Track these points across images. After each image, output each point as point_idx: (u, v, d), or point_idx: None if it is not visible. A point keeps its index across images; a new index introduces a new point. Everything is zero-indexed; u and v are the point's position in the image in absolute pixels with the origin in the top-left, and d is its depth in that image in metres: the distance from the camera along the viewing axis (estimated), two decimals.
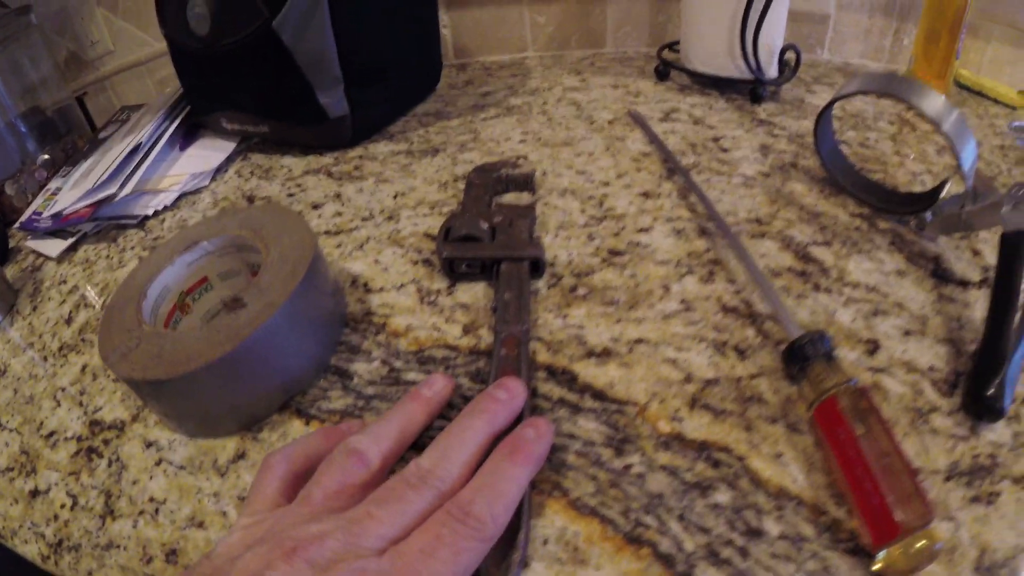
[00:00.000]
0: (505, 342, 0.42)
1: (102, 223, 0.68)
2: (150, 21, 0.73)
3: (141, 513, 0.39)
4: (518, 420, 0.37)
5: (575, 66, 0.94)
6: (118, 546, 0.37)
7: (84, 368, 0.51)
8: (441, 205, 0.62)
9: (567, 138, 0.72)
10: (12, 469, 0.44)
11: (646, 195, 0.60)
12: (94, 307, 0.57)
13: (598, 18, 0.99)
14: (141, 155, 0.71)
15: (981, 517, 0.33)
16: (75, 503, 0.40)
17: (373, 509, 0.29)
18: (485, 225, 0.51)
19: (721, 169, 0.64)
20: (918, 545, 0.29)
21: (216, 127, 0.78)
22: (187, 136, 0.80)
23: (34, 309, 0.59)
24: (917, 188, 0.59)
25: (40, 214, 0.70)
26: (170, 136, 0.76)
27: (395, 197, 0.64)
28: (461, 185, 0.64)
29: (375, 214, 0.62)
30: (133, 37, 1.00)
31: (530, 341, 0.45)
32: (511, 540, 0.32)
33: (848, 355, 0.43)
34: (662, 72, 0.87)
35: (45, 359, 0.53)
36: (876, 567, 0.30)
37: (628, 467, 0.37)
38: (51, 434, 0.46)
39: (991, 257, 0.45)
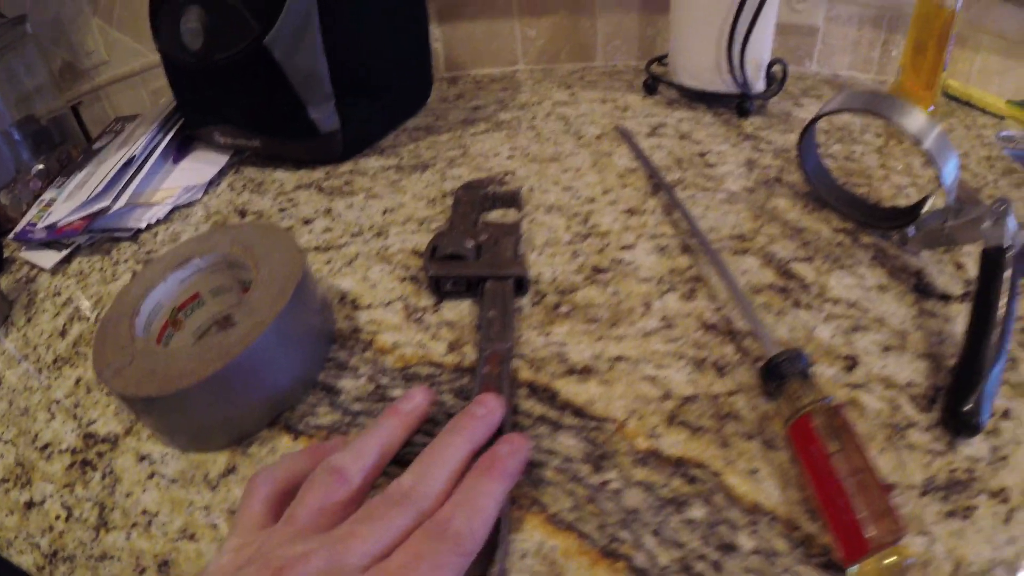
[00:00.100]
0: (489, 359, 0.43)
1: (96, 235, 0.69)
2: (145, 32, 0.74)
3: (134, 525, 0.39)
4: (500, 434, 0.38)
5: (565, 80, 0.95)
6: (112, 557, 0.38)
7: (78, 381, 0.51)
8: (429, 222, 0.63)
9: (555, 153, 0.73)
10: (7, 480, 0.45)
11: (631, 212, 0.61)
12: (88, 320, 0.58)
13: (588, 32, 0.99)
14: (135, 168, 0.72)
15: (957, 531, 0.34)
16: (70, 515, 0.41)
17: (356, 528, 0.30)
18: (470, 243, 0.53)
19: (706, 185, 0.65)
20: (888, 561, 0.30)
21: (209, 140, 0.79)
22: (181, 148, 0.81)
23: (28, 321, 0.60)
24: (902, 201, 0.60)
25: (34, 225, 0.71)
26: (164, 148, 0.77)
27: (384, 213, 0.65)
28: (449, 201, 0.64)
29: (364, 230, 0.63)
30: (128, 48, 1.00)
31: (513, 358, 0.46)
32: (490, 554, 0.33)
33: (826, 371, 0.43)
34: (650, 86, 0.88)
35: (40, 371, 0.54)
36: None
37: (605, 483, 0.38)
38: (46, 446, 0.47)
39: (974, 271, 0.46)
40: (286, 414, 0.44)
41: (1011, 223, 0.45)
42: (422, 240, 0.60)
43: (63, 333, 0.57)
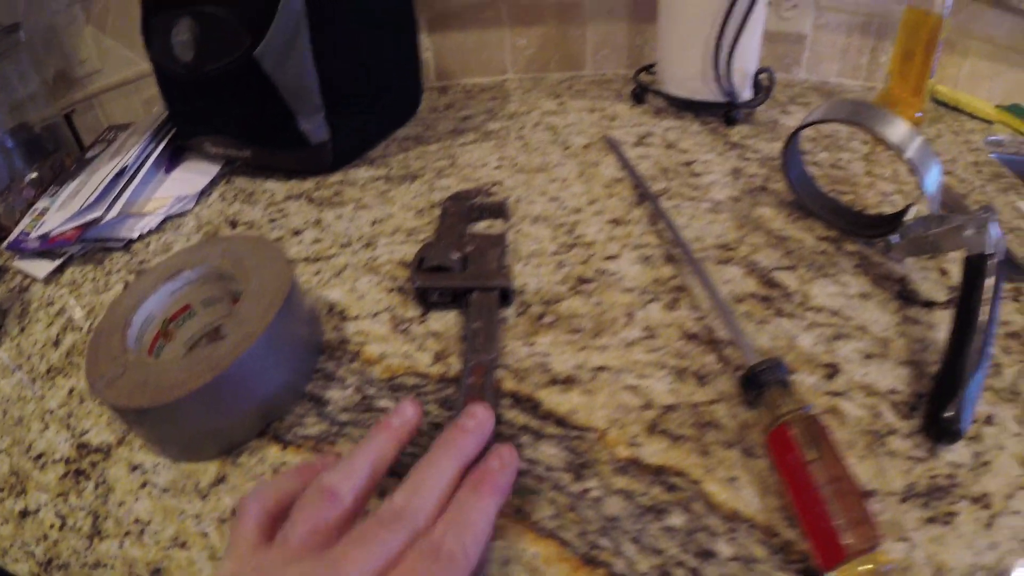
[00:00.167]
0: (473, 371, 0.44)
1: (88, 245, 0.69)
2: (138, 41, 0.74)
3: (127, 534, 0.40)
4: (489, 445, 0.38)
5: (554, 89, 0.96)
6: (105, 565, 0.39)
7: (71, 391, 0.52)
8: (417, 232, 0.64)
9: (542, 164, 0.74)
10: (2, 490, 0.45)
11: (616, 222, 0.62)
12: (81, 330, 0.59)
13: (577, 41, 1.00)
14: (127, 178, 0.73)
15: (937, 537, 0.35)
16: (64, 523, 0.42)
17: (350, 550, 0.30)
18: (456, 255, 0.54)
19: (691, 194, 0.65)
20: (864, 568, 0.31)
21: (201, 150, 0.80)
22: (172, 158, 0.82)
23: (22, 330, 0.61)
24: (887, 208, 0.61)
25: (27, 234, 0.72)
26: (156, 158, 0.77)
27: (373, 224, 0.66)
28: (437, 212, 0.65)
29: (353, 241, 0.64)
30: (121, 56, 1.01)
31: (497, 369, 0.47)
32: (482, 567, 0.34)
33: (807, 380, 0.44)
34: (638, 95, 0.89)
35: (33, 381, 0.54)
36: None
37: (586, 491, 0.39)
38: (40, 456, 0.47)
39: (959, 277, 0.47)
40: (275, 424, 0.45)
41: (994, 230, 0.46)
42: (410, 251, 0.61)
43: (56, 343, 0.58)
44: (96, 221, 0.69)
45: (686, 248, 0.55)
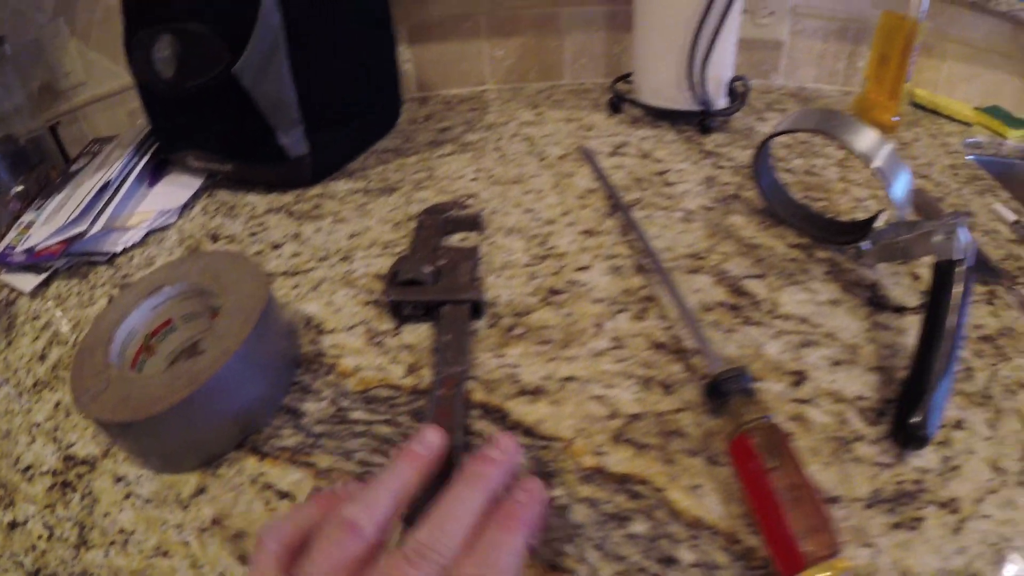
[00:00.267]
0: (444, 382, 0.46)
1: (73, 259, 0.71)
2: (121, 54, 0.75)
3: (112, 543, 0.41)
4: (451, 458, 0.39)
5: (533, 99, 0.98)
6: (91, 574, 0.40)
7: (58, 405, 0.53)
8: (393, 245, 0.65)
9: (518, 175, 0.75)
10: None
11: (588, 233, 0.63)
12: (66, 344, 0.60)
13: (555, 51, 1.02)
14: (111, 192, 0.74)
15: (903, 543, 0.35)
16: (51, 534, 0.43)
17: None
18: (429, 269, 0.55)
19: (664, 204, 0.67)
20: (823, 575, 0.31)
21: (183, 164, 0.81)
22: (155, 172, 0.83)
23: (9, 344, 0.62)
24: (860, 214, 0.61)
25: (13, 248, 0.73)
26: (139, 172, 0.79)
27: (350, 237, 0.67)
28: (413, 224, 0.67)
29: (331, 254, 0.65)
30: (105, 69, 1.02)
31: (467, 381, 0.48)
32: None
33: (774, 387, 0.45)
34: (615, 105, 0.90)
35: (20, 395, 0.55)
36: None
37: (552, 499, 0.40)
38: (28, 468, 0.48)
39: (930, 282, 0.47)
40: (253, 437, 0.46)
41: (963, 236, 0.46)
42: (386, 264, 0.62)
43: (43, 357, 0.59)
44: (81, 235, 0.70)
45: (655, 258, 0.56)
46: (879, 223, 0.54)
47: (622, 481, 0.40)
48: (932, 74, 0.93)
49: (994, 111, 0.85)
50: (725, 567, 0.35)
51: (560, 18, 0.99)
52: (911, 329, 0.48)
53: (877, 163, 0.51)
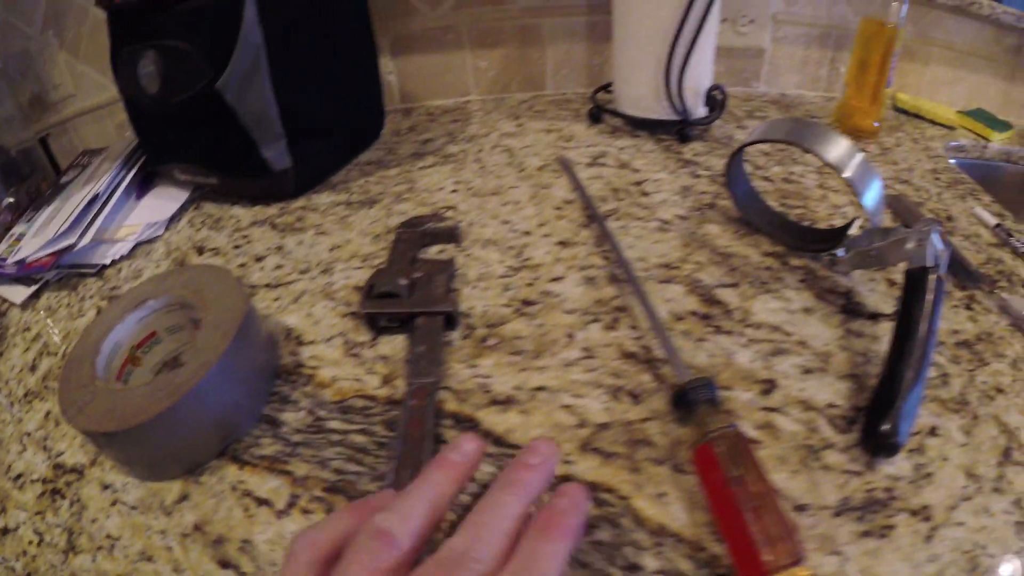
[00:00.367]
0: (415, 393, 0.48)
1: (63, 271, 0.72)
2: (109, 67, 0.77)
3: (99, 549, 0.42)
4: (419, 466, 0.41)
5: (514, 110, 0.99)
6: None
7: (48, 414, 0.55)
8: (372, 258, 0.66)
9: (496, 187, 0.77)
10: None
11: (563, 244, 0.65)
12: (56, 355, 0.61)
13: (538, 62, 1.03)
14: (99, 205, 0.76)
15: (872, 551, 0.35)
16: (41, 540, 0.44)
17: None
18: (404, 281, 0.57)
19: (639, 214, 0.68)
20: None
21: (170, 177, 0.83)
22: (143, 184, 0.84)
23: (0, 355, 0.63)
24: (839, 221, 0.62)
25: (5, 260, 0.74)
26: (127, 185, 0.80)
27: (331, 250, 0.69)
28: (392, 236, 0.68)
29: (312, 267, 0.66)
30: (94, 81, 1.03)
31: (439, 391, 0.49)
32: None
33: (742, 396, 0.46)
34: (595, 115, 0.91)
35: (12, 405, 0.57)
36: None
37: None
38: (19, 476, 0.50)
39: None
40: (234, 445, 0.48)
41: (936, 243, 0.47)
42: (365, 276, 0.63)
43: (33, 368, 0.60)
44: (70, 248, 0.72)
45: (628, 268, 0.57)
46: (853, 230, 0.54)
47: (589, 489, 0.40)
48: (915, 78, 0.94)
49: (978, 114, 0.87)
50: (689, 574, 0.36)
51: (542, 29, 1.01)
52: (885, 336, 0.47)
53: (847, 173, 0.51)
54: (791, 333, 0.51)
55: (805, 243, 0.59)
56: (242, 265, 0.69)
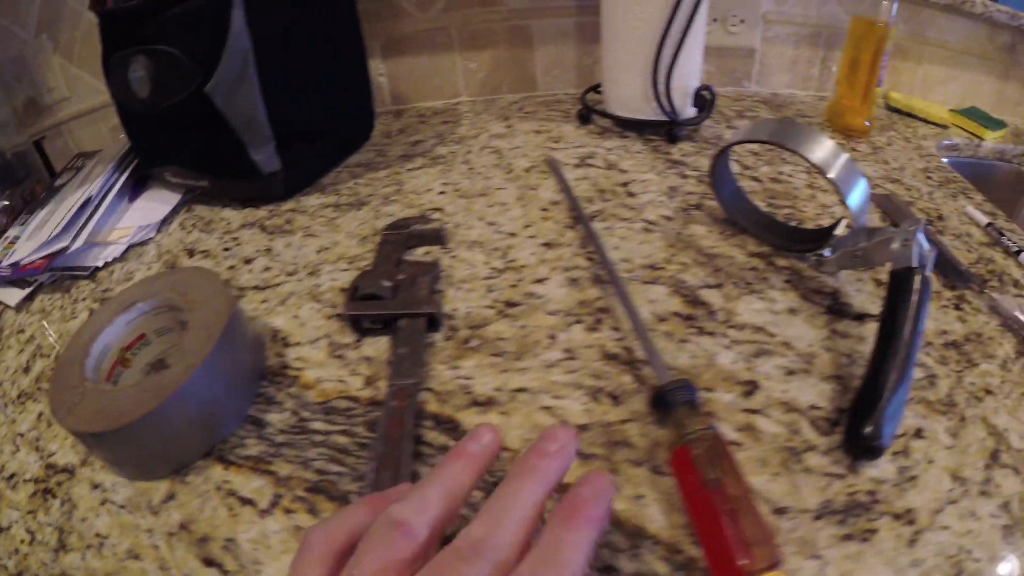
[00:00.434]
0: (396, 394, 0.49)
1: (56, 273, 0.73)
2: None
3: (89, 547, 0.43)
4: (397, 467, 0.41)
5: (504, 111, 1.00)
6: None
7: (40, 415, 0.56)
8: (359, 260, 0.67)
9: (484, 188, 0.77)
10: None
11: (548, 245, 0.65)
12: (49, 357, 0.62)
13: (527, 63, 1.04)
14: (92, 208, 0.77)
15: (853, 555, 0.35)
16: (33, 538, 0.45)
17: None
18: (388, 283, 0.57)
19: (625, 215, 0.68)
20: None
21: (162, 180, 0.84)
22: (136, 187, 0.85)
23: None
24: (827, 222, 0.61)
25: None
26: (119, 188, 0.81)
27: (319, 252, 0.70)
28: (379, 239, 0.69)
29: (299, 269, 0.67)
30: (88, 85, 1.04)
31: (420, 392, 0.50)
32: None
33: (724, 397, 0.46)
34: (584, 116, 0.92)
35: (5, 406, 0.58)
36: None
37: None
38: (12, 476, 0.51)
39: None
40: (219, 446, 0.49)
41: (921, 243, 0.46)
42: (351, 278, 0.63)
43: (27, 369, 0.61)
44: (63, 250, 0.72)
45: (611, 269, 0.57)
46: (839, 230, 0.54)
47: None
48: (909, 77, 0.94)
49: (971, 113, 0.87)
50: None
51: (532, 30, 1.01)
52: (871, 337, 0.46)
53: (832, 173, 0.51)
54: (775, 334, 0.51)
55: (791, 243, 0.59)
56: (231, 267, 0.69)
